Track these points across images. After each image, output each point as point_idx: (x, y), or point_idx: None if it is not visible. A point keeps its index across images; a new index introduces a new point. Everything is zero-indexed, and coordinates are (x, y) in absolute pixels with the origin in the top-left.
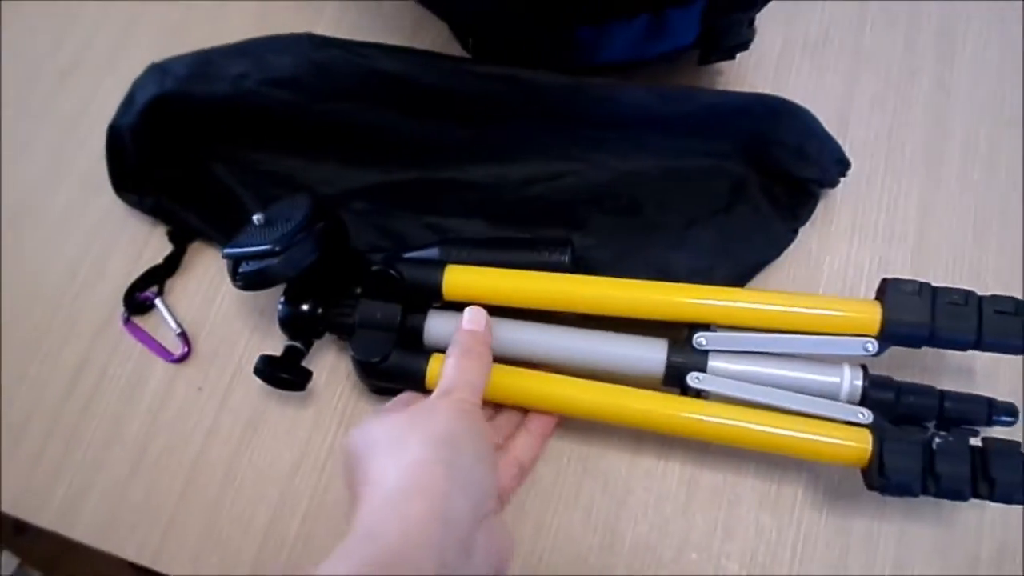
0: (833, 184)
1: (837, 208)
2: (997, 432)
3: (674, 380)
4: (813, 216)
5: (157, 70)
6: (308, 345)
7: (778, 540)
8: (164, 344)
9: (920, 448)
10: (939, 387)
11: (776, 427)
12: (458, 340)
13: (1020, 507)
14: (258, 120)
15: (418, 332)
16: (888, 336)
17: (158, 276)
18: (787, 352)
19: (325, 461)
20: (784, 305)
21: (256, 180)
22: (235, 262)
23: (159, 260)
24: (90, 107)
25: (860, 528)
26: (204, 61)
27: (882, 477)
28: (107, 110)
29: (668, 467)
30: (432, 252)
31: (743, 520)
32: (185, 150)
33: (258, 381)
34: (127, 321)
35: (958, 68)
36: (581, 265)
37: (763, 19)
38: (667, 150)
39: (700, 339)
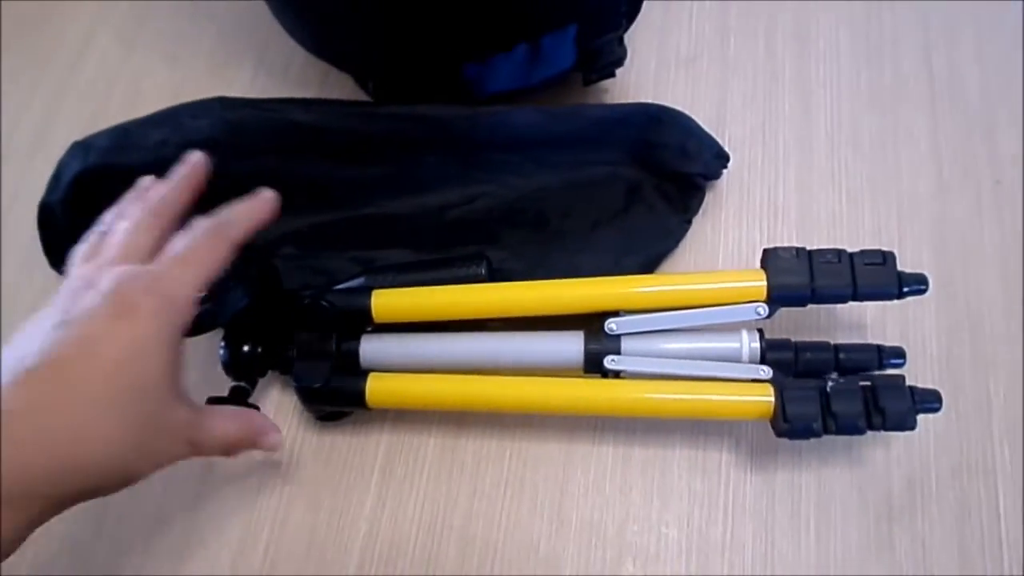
0: (716, 176)
1: (725, 196)
2: None
3: (594, 366)
4: (704, 206)
5: (79, 147)
6: (253, 384)
7: (710, 502)
8: None
9: (816, 393)
10: (833, 342)
11: (689, 394)
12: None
13: (922, 443)
14: None
15: (354, 355)
16: (775, 299)
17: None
18: (689, 326)
19: (282, 489)
20: (681, 284)
21: None
22: None
23: None
24: (18, 194)
25: (782, 479)
26: (123, 133)
27: (786, 423)
28: (34, 199)
29: (602, 450)
30: (359, 282)
31: (676, 488)
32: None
33: None
34: None
35: (815, 62)
36: (498, 276)
37: (638, 40)
38: (565, 164)
39: (611, 324)
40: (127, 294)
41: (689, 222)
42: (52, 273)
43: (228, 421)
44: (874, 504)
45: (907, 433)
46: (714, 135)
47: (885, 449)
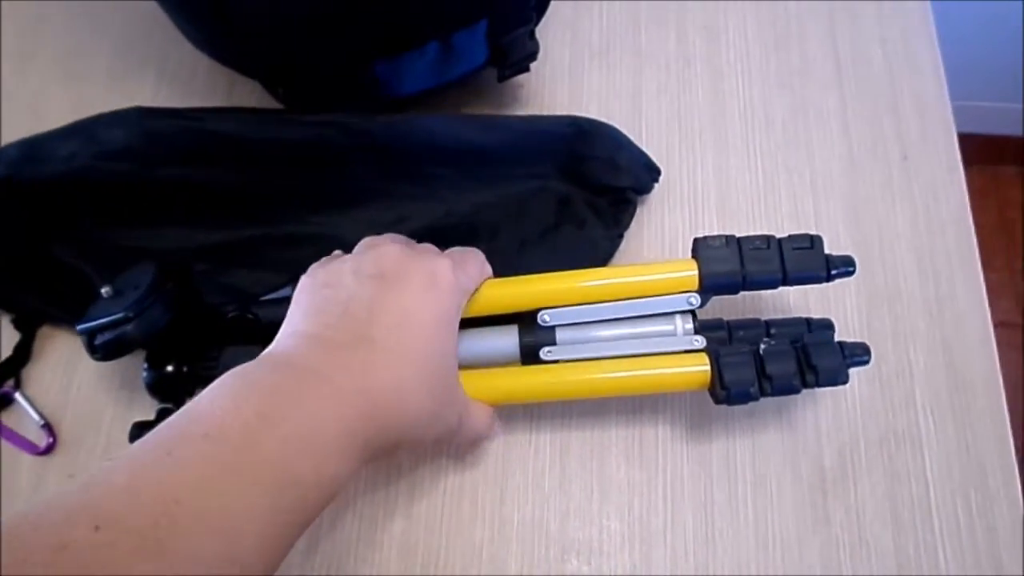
0: (648, 190)
1: None
2: None
3: (531, 358)
4: None
5: None
6: (179, 404)
7: (649, 490)
8: (28, 438)
9: (751, 357)
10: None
11: (626, 371)
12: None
13: (849, 414)
14: (96, 195)
15: None
16: (707, 288)
17: (12, 368)
18: (622, 316)
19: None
20: (613, 278)
21: (99, 254)
22: (90, 335)
23: (7, 354)
24: None
25: (718, 460)
26: (33, 144)
27: (724, 389)
28: None
29: (539, 444)
30: (286, 291)
31: (615, 480)
32: (23, 235)
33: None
34: None
35: (724, 49)
36: None
37: (550, 35)
38: (494, 177)
39: (544, 316)
40: (436, 271)
41: (620, 236)
42: None
43: (485, 412)
44: (808, 477)
45: (835, 405)
46: (631, 123)
47: (815, 422)
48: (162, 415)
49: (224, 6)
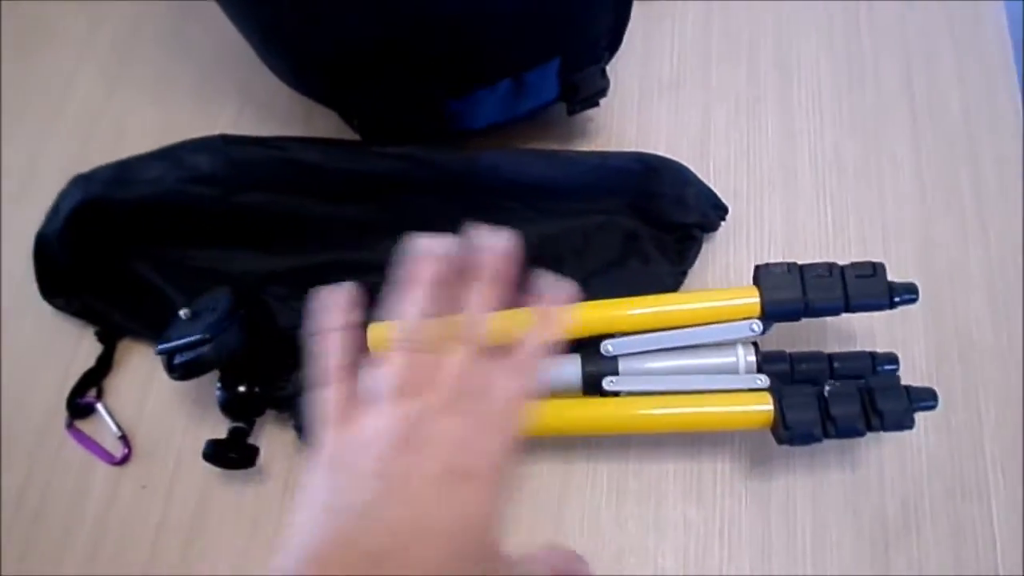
0: (714, 228)
1: None
2: None
3: (592, 388)
4: None
5: (81, 179)
6: (251, 424)
7: (706, 531)
8: (105, 446)
9: (815, 398)
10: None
11: (688, 407)
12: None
13: (915, 464)
14: (177, 217)
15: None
16: (769, 314)
17: (94, 378)
18: (685, 344)
19: (276, 527)
20: (675, 304)
21: (178, 274)
22: (169, 356)
23: (88, 367)
24: (4, 236)
25: (777, 505)
26: (124, 167)
27: (787, 430)
28: (21, 239)
29: (597, 477)
30: None
31: (671, 518)
32: (109, 252)
33: (200, 469)
34: (70, 426)
35: (796, 88)
36: None
37: (621, 68)
38: (562, 211)
39: (607, 346)
40: (466, 457)
41: (684, 273)
42: (41, 314)
43: (542, 567)
44: (869, 527)
45: (900, 452)
46: (698, 161)
47: (879, 469)
48: (234, 433)
49: (305, 42)
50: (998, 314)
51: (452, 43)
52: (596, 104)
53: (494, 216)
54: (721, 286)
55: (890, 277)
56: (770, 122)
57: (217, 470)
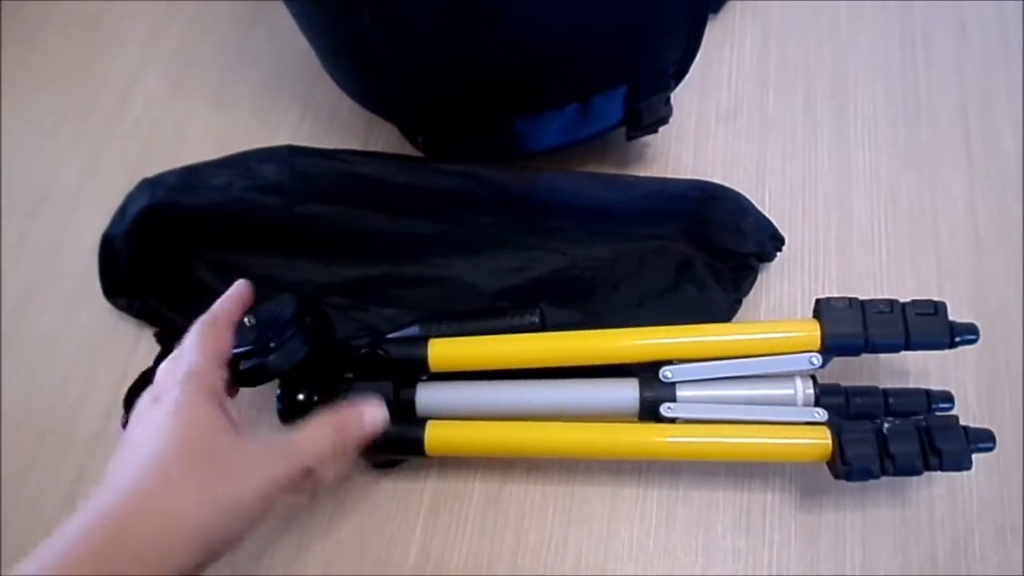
0: (770, 258)
1: None
2: None
3: (649, 414)
4: None
5: (149, 184)
6: None
7: (754, 562)
8: None
9: (874, 435)
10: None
11: (747, 437)
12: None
13: (965, 503)
14: (241, 224)
15: (411, 403)
16: (829, 348)
17: (152, 379)
18: (744, 374)
19: (325, 541)
20: (735, 334)
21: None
22: (235, 361)
23: (145, 366)
24: (64, 236)
25: (827, 540)
26: (192, 173)
27: (845, 465)
28: (80, 239)
29: (646, 507)
30: (413, 330)
31: (719, 547)
32: (172, 255)
33: None
34: (126, 424)
35: (852, 120)
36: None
37: (680, 95)
38: (618, 235)
39: (666, 372)
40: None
41: (739, 302)
42: (98, 313)
43: (316, 422)
44: (919, 566)
45: (951, 492)
46: (754, 192)
47: (929, 508)
48: None
49: (379, 59)
50: None
51: (530, 67)
52: (656, 131)
53: (550, 236)
54: (774, 316)
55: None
56: (826, 154)
57: None
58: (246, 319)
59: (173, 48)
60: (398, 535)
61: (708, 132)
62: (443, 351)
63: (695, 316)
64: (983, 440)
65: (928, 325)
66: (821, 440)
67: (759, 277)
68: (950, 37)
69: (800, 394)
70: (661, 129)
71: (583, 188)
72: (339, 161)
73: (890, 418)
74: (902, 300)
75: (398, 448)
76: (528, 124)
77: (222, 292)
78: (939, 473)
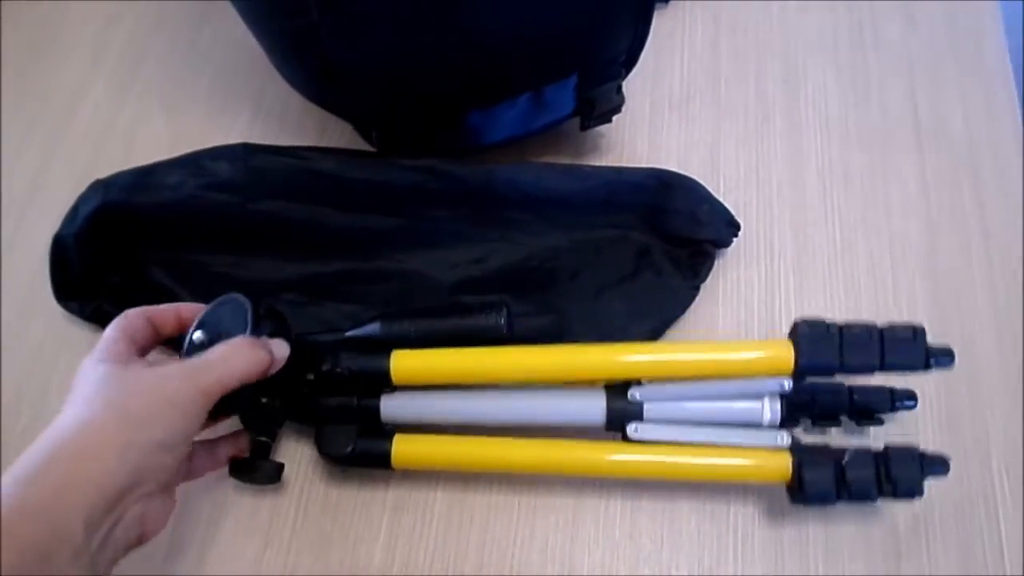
0: (727, 244)
1: None
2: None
3: (615, 425)
4: None
5: (101, 184)
6: (273, 437)
7: (719, 546)
8: None
9: (832, 465)
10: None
11: (708, 458)
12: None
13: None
14: (195, 223)
15: (376, 413)
16: (801, 374)
17: None
18: (712, 397)
19: (289, 543)
20: (706, 353)
21: (193, 279)
22: None
23: None
24: (15, 241)
25: (790, 523)
26: (146, 173)
27: (801, 492)
28: (31, 244)
29: (611, 501)
30: (374, 328)
31: (686, 532)
32: (125, 257)
33: (213, 480)
34: None
35: (804, 105)
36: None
37: (632, 85)
38: (576, 225)
39: (634, 393)
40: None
41: (697, 288)
42: (52, 319)
43: (221, 346)
44: (881, 543)
45: None
46: (709, 177)
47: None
48: (258, 448)
49: (329, 55)
50: (1002, 327)
51: (482, 60)
52: (609, 120)
53: (508, 228)
54: (732, 300)
55: (898, 293)
56: (778, 138)
57: (232, 482)
58: (195, 336)
59: (121, 50)
60: (363, 536)
61: (662, 120)
62: (405, 364)
63: (654, 304)
64: (937, 467)
65: (906, 352)
66: (782, 465)
67: (716, 263)
68: (898, 21)
69: (767, 414)
70: (615, 118)
71: (540, 179)
72: (294, 157)
73: (851, 449)
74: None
75: (365, 463)
76: (482, 117)
77: (177, 292)
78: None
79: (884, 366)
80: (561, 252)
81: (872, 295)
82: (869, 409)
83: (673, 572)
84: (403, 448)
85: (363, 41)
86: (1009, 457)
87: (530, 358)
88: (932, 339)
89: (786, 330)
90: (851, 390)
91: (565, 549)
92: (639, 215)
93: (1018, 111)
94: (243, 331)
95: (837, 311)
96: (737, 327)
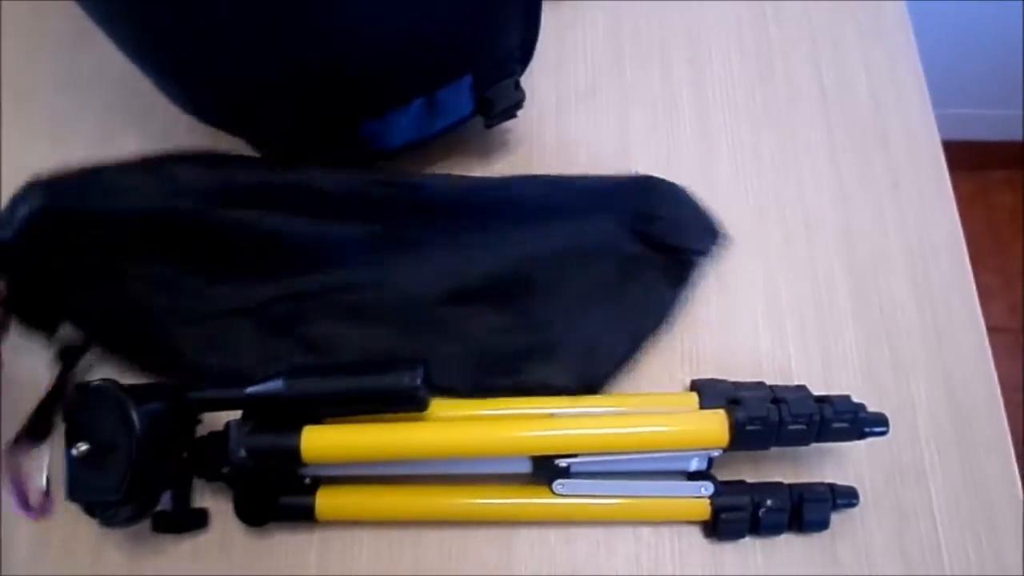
0: (708, 253)
1: None
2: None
3: (541, 479)
4: None
5: (40, 184)
6: (189, 485)
7: (657, 542)
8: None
9: (749, 514)
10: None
11: (632, 504)
12: None
13: (854, 455)
14: (152, 232)
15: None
16: (735, 448)
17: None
18: (641, 469)
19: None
20: (637, 427)
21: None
22: (88, 508)
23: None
24: None
25: None
26: (94, 173)
27: (716, 534)
28: None
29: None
30: (277, 384)
31: (621, 534)
32: (64, 266)
33: (129, 530)
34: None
35: (710, 85)
36: (486, 349)
37: (535, 77)
38: (557, 234)
39: (562, 462)
40: None
41: (678, 298)
42: None
43: None
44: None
45: (840, 446)
46: (621, 163)
47: (820, 467)
48: (177, 500)
49: (206, 73)
50: (920, 296)
51: (360, 67)
52: (514, 115)
53: (486, 238)
54: None
55: (814, 267)
56: (687, 120)
57: (147, 530)
58: (74, 450)
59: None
60: (294, 566)
61: (569, 111)
62: (318, 444)
63: (635, 313)
64: (847, 498)
65: (842, 432)
66: (701, 511)
67: None
68: None
69: (694, 464)
70: (520, 113)
71: (525, 190)
72: (258, 169)
73: (768, 503)
74: (816, 394)
75: (287, 518)
76: (376, 124)
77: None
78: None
79: (819, 440)
80: (543, 261)
81: (789, 270)
82: (803, 412)
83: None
84: (327, 503)
85: (232, 58)
86: (935, 425)
87: (450, 435)
88: (855, 312)
89: (704, 317)
90: (773, 389)
91: (502, 560)
92: (621, 221)
93: (920, 71)
94: (127, 440)
95: (756, 291)
96: None
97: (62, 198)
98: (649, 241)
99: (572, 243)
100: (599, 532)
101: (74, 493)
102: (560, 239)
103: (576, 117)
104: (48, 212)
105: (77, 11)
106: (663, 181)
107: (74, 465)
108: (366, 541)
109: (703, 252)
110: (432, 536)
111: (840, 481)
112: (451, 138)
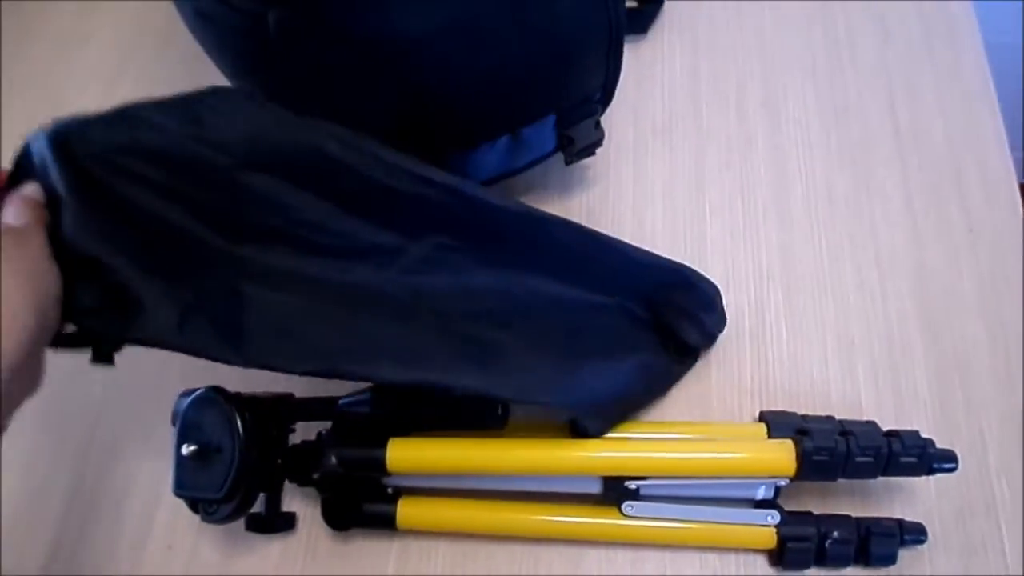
0: (707, 347)
1: (709, 262)
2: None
3: (611, 501)
4: None
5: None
6: (279, 490)
7: (722, 566)
8: None
9: (815, 544)
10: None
11: (699, 526)
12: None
13: (924, 491)
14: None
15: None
16: (801, 477)
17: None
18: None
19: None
20: (708, 452)
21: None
22: (191, 503)
23: None
24: None
25: None
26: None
27: (781, 563)
28: None
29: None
30: (365, 397)
31: (688, 559)
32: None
33: (223, 529)
34: None
35: (785, 126)
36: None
37: (614, 114)
38: (585, 286)
39: (631, 484)
40: None
41: (686, 368)
42: None
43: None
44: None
45: (909, 482)
46: (694, 201)
47: (889, 503)
48: (268, 502)
49: (308, 110)
50: (994, 334)
51: (454, 107)
52: (593, 153)
53: (515, 271)
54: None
55: (887, 307)
56: (761, 160)
57: (240, 530)
58: (184, 449)
59: None
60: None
61: (646, 148)
62: (401, 456)
63: (641, 376)
64: (914, 533)
65: (910, 467)
66: (767, 539)
67: None
68: (873, 35)
69: (760, 493)
70: (599, 150)
71: (568, 237)
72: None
73: (835, 534)
74: (885, 430)
75: (369, 525)
76: (462, 158)
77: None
78: None
79: (886, 472)
80: (564, 308)
81: (862, 311)
82: (867, 446)
83: None
84: (408, 512)
85: (346, 105)
86: (1006, 461)
87: (525, 452)
88: (927, 350)
89: (775, 354)
90: (843, 424)
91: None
92: (648, 295)
93: (998, 114)
94: (231, 444)
95: (827, 329)
96: (726, 353)
97: (80, 128)
98: (662, 321)
99: (594, 296)
100: (666, 555)
101: (181, 488)
102: (582, 291)
103: (652, 154)
104: (61, 135)
105: None
106: (704, 278)
107: (182, 463)
108: (441, 550)
109: (705, 347)
110: (504, 550)
111: (909, 517)
112: (532, 173)
